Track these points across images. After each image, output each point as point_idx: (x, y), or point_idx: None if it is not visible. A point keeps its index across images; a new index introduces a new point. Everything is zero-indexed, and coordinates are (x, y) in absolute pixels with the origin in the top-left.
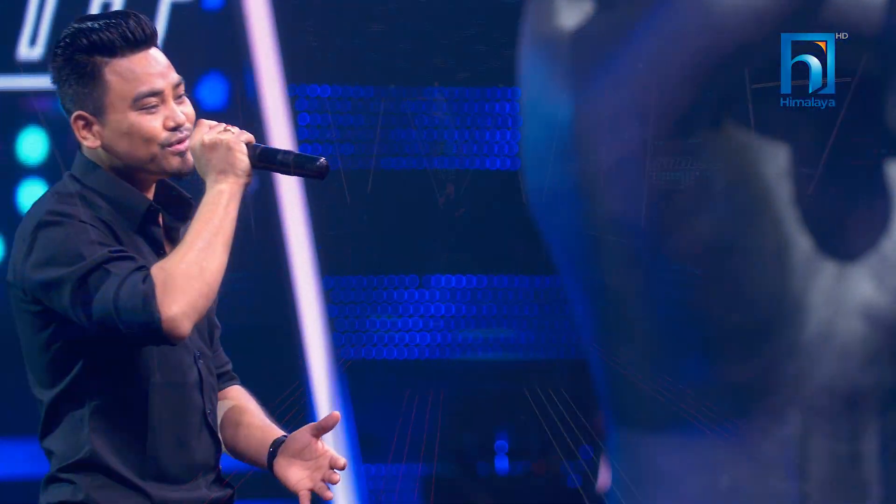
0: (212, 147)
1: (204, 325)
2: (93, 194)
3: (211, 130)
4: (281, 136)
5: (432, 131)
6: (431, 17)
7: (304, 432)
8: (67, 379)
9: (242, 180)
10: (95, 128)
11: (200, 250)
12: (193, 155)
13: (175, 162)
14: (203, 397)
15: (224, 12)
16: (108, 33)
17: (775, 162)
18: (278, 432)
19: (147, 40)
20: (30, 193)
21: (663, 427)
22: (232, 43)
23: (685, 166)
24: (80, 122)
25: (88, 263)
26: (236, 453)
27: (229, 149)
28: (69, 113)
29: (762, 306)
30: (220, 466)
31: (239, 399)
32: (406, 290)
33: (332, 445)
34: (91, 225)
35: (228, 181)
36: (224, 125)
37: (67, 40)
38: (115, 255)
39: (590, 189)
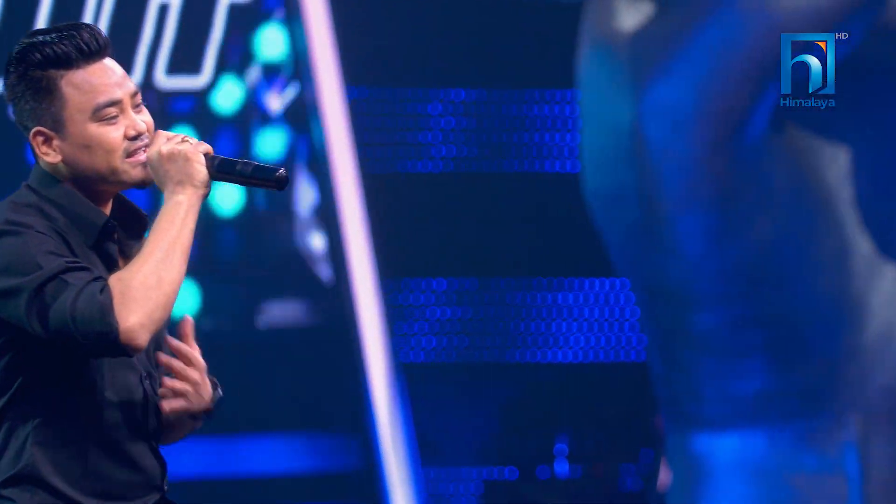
0: (169, 158)
1: (151, 346)
2: (50, 206)
3: (168, 141)
4: (339, 138)
5: (491, 134)
6: (488, 19)
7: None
8: (12, 390)
9: (201, 191)
10: (55, 142)
11: (158, 261)
12: (151, 166)
13: (137, 172)
14: (148, 418)
15: (282, 13)
16: (62, 46)
17: (836, 164)
18: None
19: (101, 50)
20: None
21: (722, 430)
22: (290, 44)
23: (746, 169)
24: (40, 139)
25: (45, 273)
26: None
27: (187, 159)
28: (27, 129)
29: (823, 309)
30: (167, 487)
31: None
32: (465, 293)
33: (391, 447)
34: (47, 235)
35: (186, 192)
36: (182, 136)
37: (20, 55)
38: (71, 265)
39: (650, 191)
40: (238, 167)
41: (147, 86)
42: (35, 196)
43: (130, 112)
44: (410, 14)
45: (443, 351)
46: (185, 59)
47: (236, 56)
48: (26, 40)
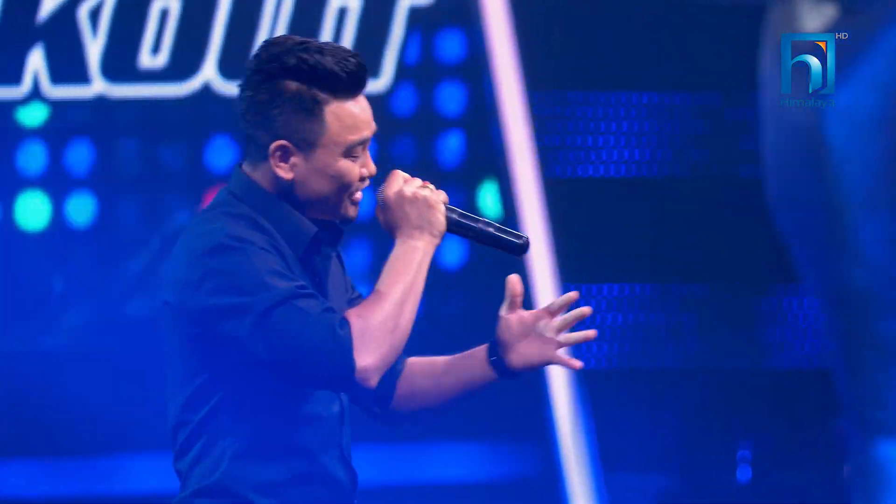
0: (412, 201)
1: None
2: (261, 217)
3: (408, 183)
4: (520, 142)
5: (674, 138)
6: (667, 21)
7: (513, 317)
8: (212, 402)
9: (437, 241)
10: (294, 160)
11: (396, 305)
12: (387, 205)
13: (352, 211)
14: (343, 430)
15: (462, 16)
16: (336, 73)
17: None
18: (481, 345)
19: (364, 86)
20: None
21: None
22: (471, 46)
23: None
24: (280, 152)
25: (274, 295)
26: (442, 386)
27: (430, 206)
28: (268, 135)
29: None
30: (356, 502)
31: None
32: (637, 298)
33: (572, 454)
34: (270, 253)
35: (424, 239)
36: (420, 180)
37: (291, 67)
38: (301, 291)
39: (832, 196)
40: (478, 226)
41: None
42: (244, 206)
43: (367, 152)
44: (591, 16)
45: (624, 357)
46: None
47: (416, 59)
48: (301, 54)
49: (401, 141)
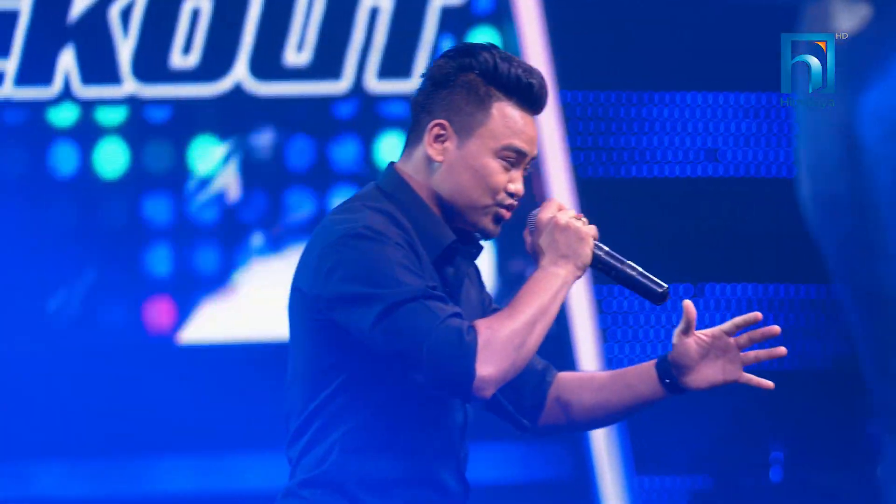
0: (564, 229)
1: None
2: (401, 214)
3: (563, 212)
4: (553, 143)
5: (706, 137)
6: (698, 20)
7: (691, 341)
8: (329, 392)
9: (579, 273)
10: (447, 144)
11: (526, 324)
12: (537, 229)
13: (489, 224)
14: (463, 441)
15: (494, 16)
16: (517, 75)
17: None
18: (643, 364)
19: (539, 108)
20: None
21: None
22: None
23: None
24: (437, 130)
25: (405, 291)
26: (602, 401)
27: (580, 238)
28: (429, 116)
29: None
30: None
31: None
32: (680, 298)
33: (605, 456)
34: (405, 250)
35: (567, 268)
36: (574, 211)
37: (479, 58)
38: (431, 291)
39: (866, 197)
40: (622, 269)
41: (357, 90)
42: (388, 201)
43: (520, 171)
44: (624, 16)
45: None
46: (396, 63)
47: None
48: (492, 52)
49: None
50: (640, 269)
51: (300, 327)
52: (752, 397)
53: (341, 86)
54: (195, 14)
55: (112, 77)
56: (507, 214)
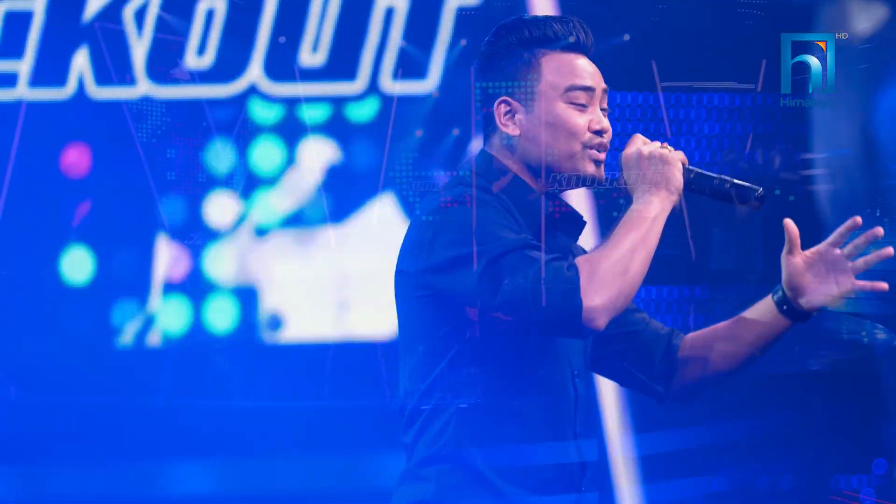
0: (649, 159)
1: (581, 348)
2: (500, 190)
3: (647, 144)
4: None
5: (734, 139)
6: (710, 20)
7: (799, 260)
8: (441, 366)
9: (673, 197)
10: (518, 116)
11: (626, 251)
12: (626, 164)
13: (590, 168)
14: (577, 416)
15: (511, 15)
16: (552, 27)
17: None
18: (760, 301)
19: (585, 47)
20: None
21: None
22: None
23: None
24: (503, 107)
25: (505, 244)
26: (729, 351)
27: (666, 163)
28: (491, 99)
29: None
30: (584, 488)
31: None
32: (696, 300)
33: (619, 458)
34: (505, 212)
35: (660, 195)
36: (659, 142)
37: (511, 28)
38: (532, 242)
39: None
40: (715, 182)
41: (372, 90)
42: (482, 180)
43: (598, 107)
44: (640, 17)
45: None
46: (412, 64)
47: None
48: (522, 17)
49: (447, 141)
50: (733, 180)
51: (407, 308)
52: (768, 398)
53: (356, 86)
54: (209, 15)
55: (126, 78)
56: (601, 155)
